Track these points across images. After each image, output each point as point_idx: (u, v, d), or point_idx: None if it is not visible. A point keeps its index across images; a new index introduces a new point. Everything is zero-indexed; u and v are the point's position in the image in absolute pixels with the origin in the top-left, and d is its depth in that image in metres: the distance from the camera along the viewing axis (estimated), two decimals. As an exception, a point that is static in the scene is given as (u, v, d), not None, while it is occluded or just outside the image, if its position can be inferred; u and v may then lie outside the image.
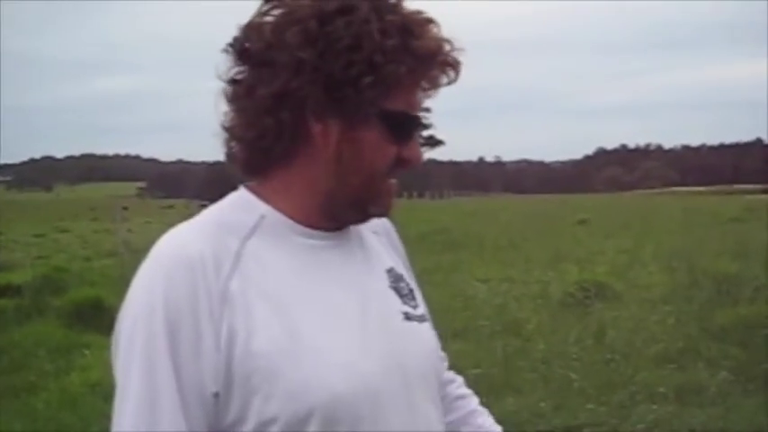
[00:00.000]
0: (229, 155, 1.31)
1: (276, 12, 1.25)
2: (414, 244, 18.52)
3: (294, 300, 1.23)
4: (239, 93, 1.26)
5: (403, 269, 1.48)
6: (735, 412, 6.01)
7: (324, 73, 1.20)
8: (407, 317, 1.36)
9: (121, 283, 1.30)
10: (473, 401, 1.67)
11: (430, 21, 1.26)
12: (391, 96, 1.24)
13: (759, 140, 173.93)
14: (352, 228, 1.38)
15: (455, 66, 1.29)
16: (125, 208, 23.01)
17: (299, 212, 1.30)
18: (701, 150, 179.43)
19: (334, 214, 1.31)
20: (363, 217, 1.36)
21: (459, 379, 1.70)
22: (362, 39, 1.19)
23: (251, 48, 1.24)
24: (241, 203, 1.31)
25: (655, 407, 6.14)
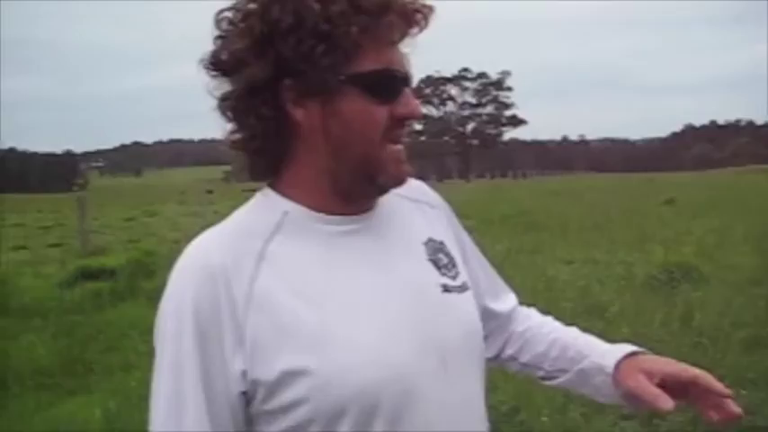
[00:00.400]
0: (241, 167, 1.33)
1: (229, 14, 1.27)
2: (497, 225, 18.57)
3: (322, 292, 1.23)
4: (224, 104, 1.28)
5: (445, 237, 1.46)
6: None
7: (276, 58, 1.21)
8: (446, 288, 1.36)
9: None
10: (535, 321, 1.71)
11: None
12: (357, 59, 1.23)
13: None
14: (384, 206, 1.37)
15: (420, 11, 1.26)
16: (210, 191, 23.41)
17: (318, 201, 1.30)
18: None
19: (348, 194, 1.31)
20: (376, 190, 1.34)
21: (524, 314, 1.73)
22: (302, 14, 1.20)
23: (220, 58, 1.27)
24: (265, 203, 1.32)
25: (744, 392, 6.02)
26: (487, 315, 1.60)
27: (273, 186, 1.33)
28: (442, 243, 1.44)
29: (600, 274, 11.08)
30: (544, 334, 1.66)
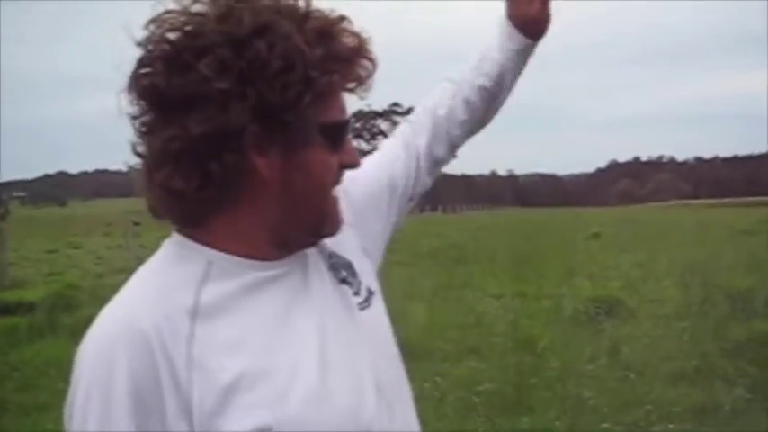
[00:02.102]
0: (157, 209, 1.20)
1: (173, 36, 1.13)
2: (426, 259, 18.61)
3: (263, 343, 1.16)
4: (166, 139, 1.12)
5: (335, 245, 1.36)
6: (753, 429, 5.95)
7: (258, 103, 1.11)
8: (361, 306, 1.31)
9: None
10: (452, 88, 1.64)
11: (343, 18, 1.19)
12: (327, 108, 1.18)
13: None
14: None
15: (371, 57, 1.22)
16: (137, 224, 22.96)
17: (250, 249, 1.20)
18: (715, 162, 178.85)
19: (285, 244, 1.23)
20: (317, 239, 1.28)
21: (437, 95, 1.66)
22: (292, 57, 1.11)
23: (162, 88, 1.11)
24: (182, 254, 1.20)
25: (671, 426, 6.08)
26: (424, 154, 1.60)
27: (191, 234, 1.20)
28: (339, 256, 1.35)
29: (529, 309, 11.18)
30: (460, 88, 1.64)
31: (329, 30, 1.16)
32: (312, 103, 1.13)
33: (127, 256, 19.04)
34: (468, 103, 1.61)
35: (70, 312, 10.96)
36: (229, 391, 1.11)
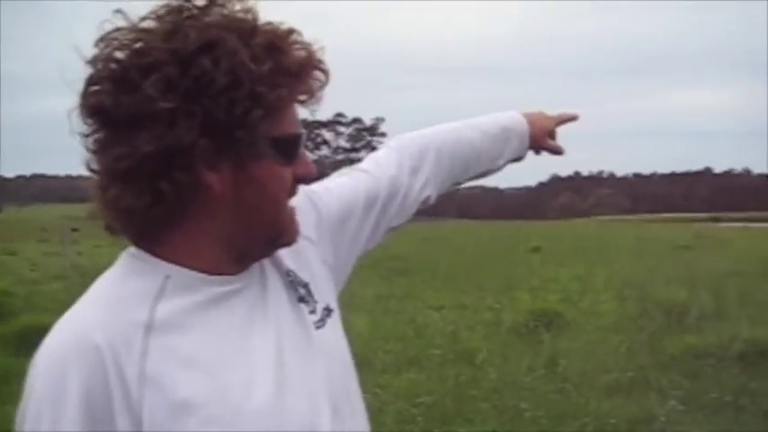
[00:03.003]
0: (112, 227, 1.20)
1: (121, 55, 1.13)
2: (367, 270, 18.54)
3: (216, 360, 1.15)
4: (114, 158, 1.12)
5: (293, 262, 1.35)
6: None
7: (205, 120, 1.11)
8: (317, 325, 1.31)
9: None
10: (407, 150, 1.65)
11: (291, 31, 1.19)
12: (277, 121, 1.17)
13: (708, 169, 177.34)
14: None
15: (323, 69, 1.23)
16: (75, 230, 22.53)
17: (206, 264, 1.19)
18: (653, 178, 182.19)
19: (242, 257, 1.23)
20: (274, 251, 1.29)
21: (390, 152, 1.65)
22: (238, 73, 1.11)
23: (109, 106, 1.11)
24: (139, 268, 1.19)
25: (607, 437, 6.18)
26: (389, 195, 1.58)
27: (148, 248, 1.20)
28: (293, 271, 1.34)
29: (469, 320, 11.25)
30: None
31: (277, 44, 1.16)
32: (261, 117, 1.13)
33: (63, 263, 18.69)
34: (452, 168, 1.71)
35: (5, 320, 10.72)
36: (182, 408, 1.10)
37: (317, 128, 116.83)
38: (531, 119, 1.82)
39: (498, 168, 1.81)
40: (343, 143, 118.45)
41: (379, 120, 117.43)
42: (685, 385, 7.32)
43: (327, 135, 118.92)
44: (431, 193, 1.66)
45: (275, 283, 1.30)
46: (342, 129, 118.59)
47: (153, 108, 1.09)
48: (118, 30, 1.15)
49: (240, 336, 1.19)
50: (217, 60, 1.10)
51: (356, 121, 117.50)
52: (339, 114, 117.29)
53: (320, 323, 1.32)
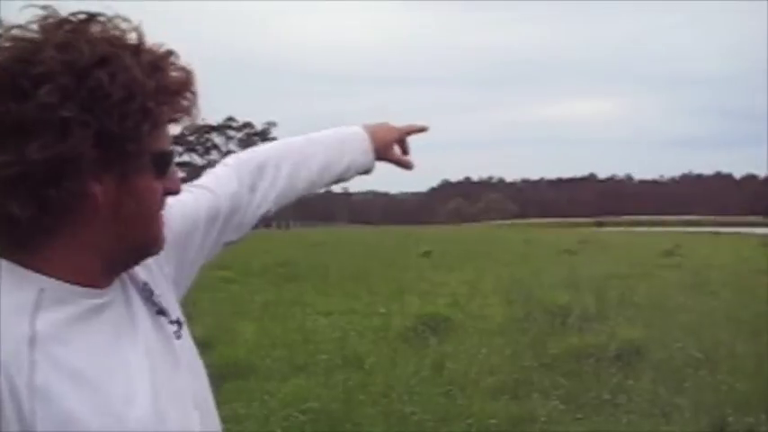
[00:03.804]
0: None
1: (6, 61, 1.12)
2: (256, 276, 18.46)
3: (98, 371, 1.15)
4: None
5: (146, 276, 1.36)
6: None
7: (99, 131, 1.12)
8: (176, 335, 1.33)
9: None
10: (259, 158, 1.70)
11: (170, 52, 1.23)
12: (159, 137, 1.22)
13: (593, 175, 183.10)
14: None
15: (195, 91, 1.26)
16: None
17: (79, 276, 1.19)
18: (540, 184, 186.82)
19: (113, 267, 1.25)
20: (140, 261, 1.31)
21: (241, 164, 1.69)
22: (132, 88, 1.14)
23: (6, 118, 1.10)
24: (11, 281, 1.15)
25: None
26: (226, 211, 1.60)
27: (21, 260, 1.17)
28: (147, 284, 1.34)
29: (358, 326, 11.30)
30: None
31: (159, 63, 1.19)
32: (148, 131, 1.16)
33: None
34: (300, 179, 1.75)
35: None
36: (71, 421, 1.10)
37: (208, 132, 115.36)
38: (373, 131, 1.86)
39: (345, 179, 1.85)
40: (233, 147, 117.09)
41: (271, 124, 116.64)
42: (566, 385, 7.55)
43: (218, 139, 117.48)
44: (270, 207, 1.69)
45: (135, 297, 1.31)
46: (232, 133, 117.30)
47: (46, 116, 1.09)
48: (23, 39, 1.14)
49: (115, 348, 1.20)
50: (113, 75, 1.12)
51: (247, 125, 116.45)
52: (230, 119, 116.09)
53: (177, 333, 1.34)
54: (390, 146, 1.89)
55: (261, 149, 1.75)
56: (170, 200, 1.45)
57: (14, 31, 1.14)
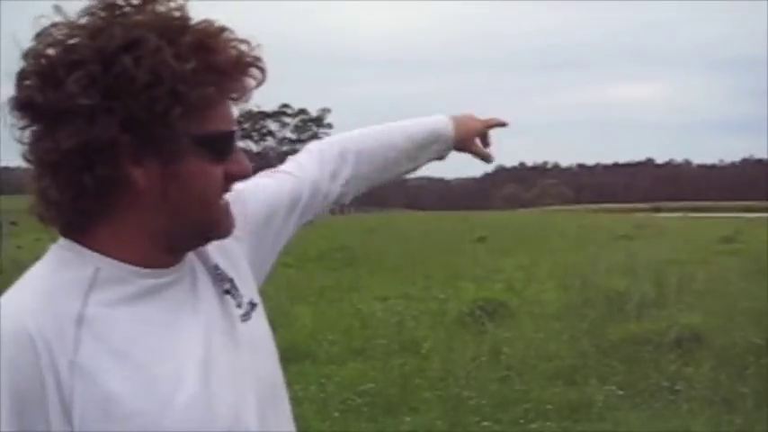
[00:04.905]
0: (43, 217, 1.22)
1: (51, 51, 1.15)
2: (313, 262, 18.57)
3: (147, 352, 1.17)
4: (43, 151, 1.16)
5: (220, 257, 1.38)
6: (623, 425, 6.23)
7: (125, 117, 1.13)
8: (242, 318, 1.34)
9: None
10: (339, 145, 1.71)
11: (223, 29, 1.20)
12: (203, 119, 1.18)
13: (650, 160, 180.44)
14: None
15: (258, 66, 1.24)
16: (13, 223, 22.08)
17: (137, 256, 1.21)
18: (596, 169, 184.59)
19: (173, 249, 1.25)
20: (205, 244, 1.31)
21: (324, 147, 1.70)
22: (160, 71, 1.12)
23: (37, 101, 1.14)
24: (69, 259, 1.20)
25: (549, 423, 6.30)
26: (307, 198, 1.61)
27: (79, 240, 1.21)
28: (218, 266, 1.36)
29: (414, 311, 11.32)
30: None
31: (206, 42, 1.16)
32: (183, 115, 1.14)
33: (1, 256, 18.37)
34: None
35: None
36: (111, 399, 1.12)
37: (263, 119, 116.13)
38: (457, 121, 1.85)
39: (417, 169, 1.86)
40: (288, 134, 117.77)
41: (325, 111, 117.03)
42: (624, 371, 7.49)
43: (273, 126, 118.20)
44: (348, 193, 1.71)
45: (203, 277, 1.32)
46: (287, 120, 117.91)
47: (73, 104, 1.12)
48: (54, 26, 1.16)
49: (170, 329, 1.21)
50: (138, 59, 1.12)
51: (302, 112, 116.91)
52: (285, 105, 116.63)
53: (245, 317, 1.34)
54: (472, 137, 1.89)
55: (342, 136, 1.75)
56: (250, 184, 1.47)
57: (71, 21, 1.17)
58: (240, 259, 1.42)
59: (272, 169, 1.64)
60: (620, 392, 6.88)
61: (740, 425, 6.11)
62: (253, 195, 1.49)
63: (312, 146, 1.72)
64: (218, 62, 1.17)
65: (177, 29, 1.16)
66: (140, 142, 1.15)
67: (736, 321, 9.32)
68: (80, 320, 1.14)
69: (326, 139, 1.75)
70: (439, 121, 1.84)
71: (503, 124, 1.94)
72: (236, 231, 1.37)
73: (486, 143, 1.92)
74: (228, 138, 1.24)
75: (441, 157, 1.87)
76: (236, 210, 1.34)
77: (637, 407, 6.60)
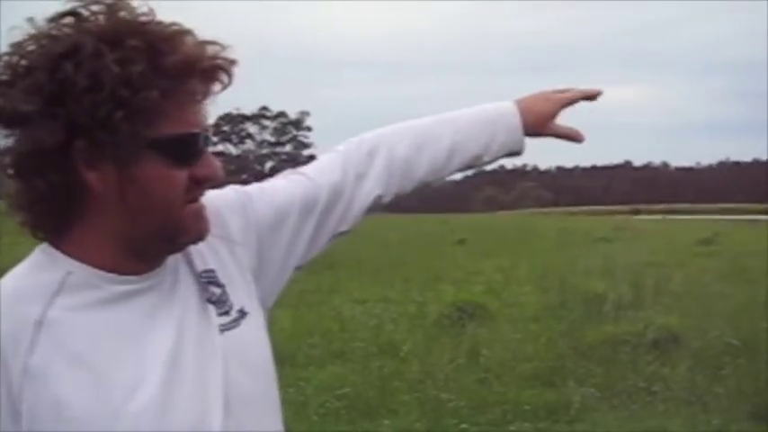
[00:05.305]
0: (21, 222, 1.22)
1: (12, 59, 1.17)
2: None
3: (107, 357, 1.17)
4: (3, 161, 1.19)
5: (214, 263, 1.34)
6: (600, 426, 6.28)
7: (68, 122, 1.12)
8: (226, 326, 1.29)
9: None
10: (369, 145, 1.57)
11: (181, 32, 1.18)
12: (158, 122, 1.16)
13: (628, 163, 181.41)
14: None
15: (223, 68, 1.21)
16: (-8, 227, 21.85)
17: (107, 261, 1.21)
18: (575, 172, 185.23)
19: (141, 254, 1.23)
20: (175, 248, 1.27)
21: (354, 147, 1.57)
22: (100, 76, 1.11)
23: (1, 108, 1.16)
24: (43, 262, 1.21)
25: (527, 424, 6.32)
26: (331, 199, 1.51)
27: (55, 244, 1.21)
28: (211, 272, 1.33)
29: (393, 313, 11.33)
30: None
31: (156, 45, 1.15)
32: (127, 119, 1.13)
33: (-20, 261, 18.20)
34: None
35: None
36: (60, 405, 1.13)
37: (242, 121, 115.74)
38: (528, 104, 1.65)
39: (485, 164, 1.67)
40: (267, 137, 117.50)
41: (305, 114, 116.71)
42: (601, 372, 7.53)
43: (252, 129, 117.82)
44: (381, 194, 1.56)
45: (186, 284, 1.30)
46: (266, 122, 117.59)
47: (19, 110, 1.13)
48: (25, 35, 1.18)
49: (136, 336, 1.20)
50: (78, 64, 1.12)
51: (281, 114, 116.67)
52: (264, 108, 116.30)
53: (232, 324, 1.31)
54: (549, 118, 1.66)
55: (376, 133, 1.60)
56: (263, 186, 1.45)
57: (29, 27, 1.18)
58: (238, 265, 1.38)
59: (291, 170, 1.56)
60: (598, 394, 6.92)
61: (717, 425, 6.17)
62: (262, 198, 1.44)
63: (341, 145, 1.58)
64: (168, 65, 1.15)
65: (126, 33, 1.15)
66: (93, 147, 1.15)
67: (713, 322, 9.39)
68: (39, 324, 1.15)
69: (358, 137, 1.59)
70: (499, 108, 1.65)
71: (592, 96, 1.69)
72: (235, 236, 1.36)
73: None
74: (189, 141, 1.20)
75: (514, 151, 1.67)
76: (235, 214, 1.34)
77: (614, 408, 6.65)
